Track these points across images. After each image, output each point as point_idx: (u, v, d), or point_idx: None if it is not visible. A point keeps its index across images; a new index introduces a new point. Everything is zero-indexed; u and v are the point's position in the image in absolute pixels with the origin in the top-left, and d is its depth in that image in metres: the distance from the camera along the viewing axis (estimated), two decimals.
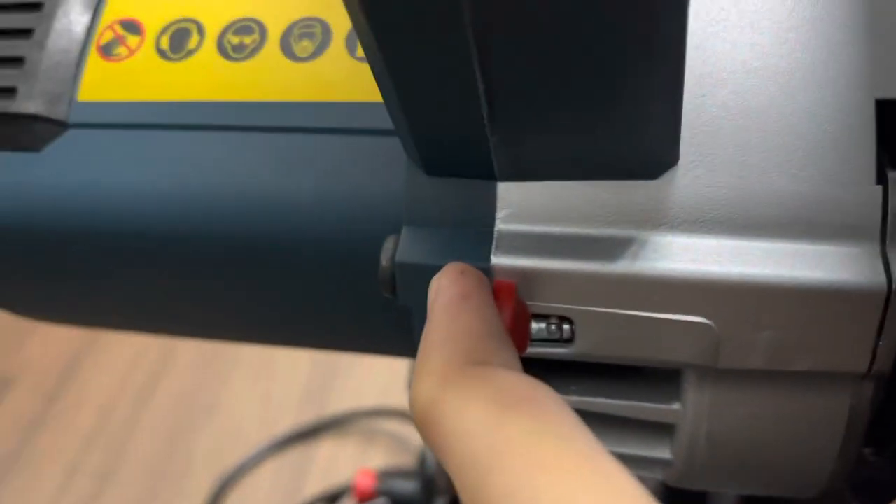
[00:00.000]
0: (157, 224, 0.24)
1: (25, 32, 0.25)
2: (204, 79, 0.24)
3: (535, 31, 0.15)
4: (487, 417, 0.16)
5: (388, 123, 0.20)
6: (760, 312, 0.19)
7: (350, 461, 0.77)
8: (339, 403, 0.81)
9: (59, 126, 0.24)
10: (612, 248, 0.20)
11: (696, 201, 0.20)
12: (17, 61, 0.25)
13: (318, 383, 0.84)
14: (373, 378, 0.80)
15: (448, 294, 0.19)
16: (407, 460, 0.75)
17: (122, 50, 0.25)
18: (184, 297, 0.27)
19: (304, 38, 0.24)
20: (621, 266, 0.20)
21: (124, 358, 0.87)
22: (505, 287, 0.20)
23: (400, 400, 0.79)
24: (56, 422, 0.83)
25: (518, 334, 0.20)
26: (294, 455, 0.79)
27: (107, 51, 0.25)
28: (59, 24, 0.25)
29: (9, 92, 0.24)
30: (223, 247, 0.24)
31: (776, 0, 0.21)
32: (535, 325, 0.21)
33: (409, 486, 0.63)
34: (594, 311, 0.20)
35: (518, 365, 0.18)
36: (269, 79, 0.23)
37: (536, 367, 0.22)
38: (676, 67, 0.17)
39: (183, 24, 0.25)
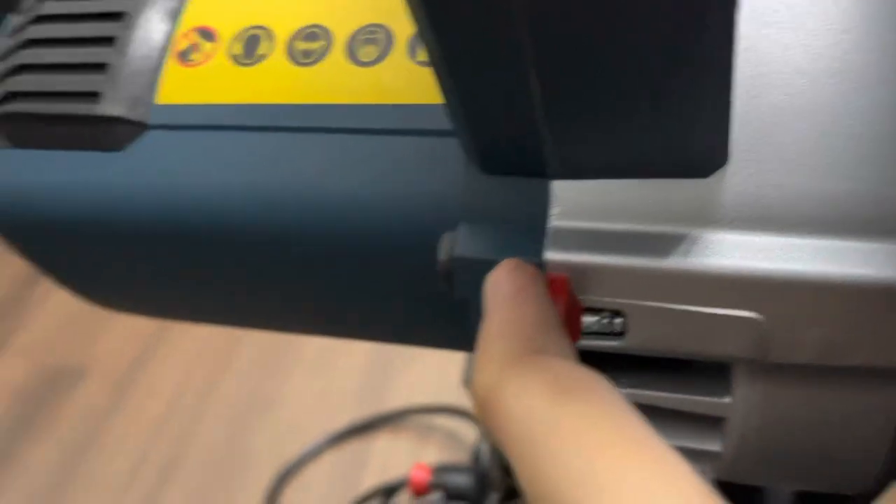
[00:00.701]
0: (230, 219, 0.25)
1: (109, 40, 0.27)
2: (274, 83, 0.25)
3: (588, 36, 0.16)
4: (545, 401, 0.17)
5: (447, 124, 0.21)
6: (811, 308, 0.20)
7: (405, 456, 0.78)
8: (395, 400, 0.83)
9: (140, 127, 0.26)
10: (664, 244, 0.21)
11: (747, 199, 0.20)
12: (101, 67, 0.26)
13: (374, 380, 0.85)
14: (426, 376, 0.81)
15: (505, 287, 0.20)
16: (461, 456, 0.76)
17: (197, 56, 0.26)
18: (253, 290, 0.28)
19: (368, 43, 0.25)
20: (672, 262, 0.20)
21: (190, 351, 0.90)
22: (558, 280, 0.21)
23: (453, 397, 0.80)
24: (125, 411, 0.87)
25: (570, 326, 0.20)
26: (351, 449, 0.80)
27: (184, 57, 0.26)
28: (140, 32, 0.27)
29: (94, 96, 0.26)
30: (291, 241, 0.25)
31: (828, 1, 0.21)
32: (587, 318, 0.22)
33: (463, 481, 0.64)
34: (645, 306, 0.21)
35: (574, 354, 0.19)
36: (334, 83, 0.24)
37: (588, 360, 0.23)
38: (726, 70, 0.17)
39: (254, 31, 0.26)
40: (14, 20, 0.30)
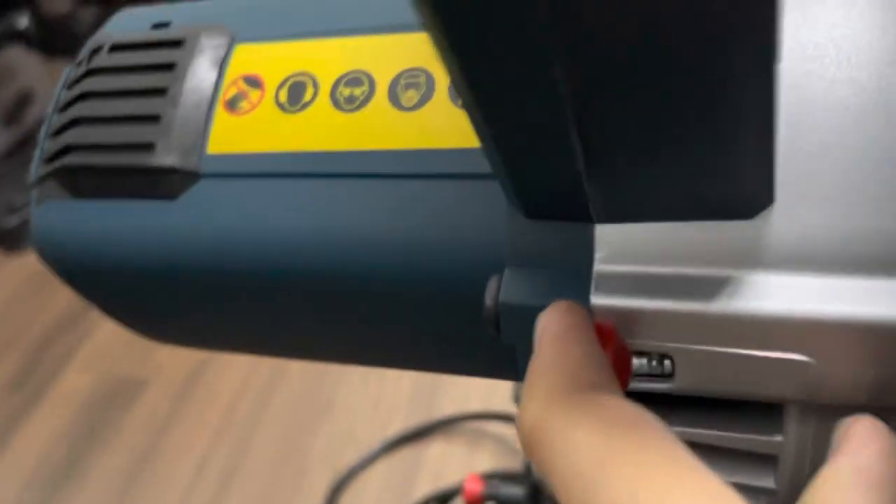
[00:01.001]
0: (279, 263, 0.26)
1: (161, 91, 0.28)
2: (319, 129, 0.26)
3: (627, 86, 0.16)
4: (592, 435, 0.17)
5: (489, 168, 0.22)
6: (863, 350, 0.20)
7: (458, 463, 0.79)
8: (447, 407, 0.83)
9: (192, 176, 0.27)
10: (710, 287, 0.20)
11: (794, 240, 0.20)
12: (154, 119, 0.27)
13: (426, 387, 0.86)
14: (477, 383, 0.82)
15: (555, 327, 0.20)
16: (513, 462, 0.76)
17: (245, 104, 0.27)
18: (302, 329, 0.29)
19: (410, 88, 0.25)
20: (719, 305, 0.20)
21: (245, 361, 0.92)
22: (604, 329, 0.21)
23: (504, 404, 0.80)
24: (185, 421, 0.89)
25: (620, 372, 0.21)
26: (404, 456, 0.81)
27: (232, 105, 0.27)
28: (190, 82, 0.27)
29: (148, 147, 0.27)
30: (340, 284, 0.25)
31: (874, 33, 0.21)
32: (636, 361, 0.22)
33: (516, 492, 0.65)
34: (693, 349, 0.21)
35: (619, 391, 0.19)
36: (378, 128, 0.25)
37: (638, 399, 0.23)
38: (768, 112, 0.17)
39: (299, 78, 0.27)
40: (69, 72, 0.31)
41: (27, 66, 1.31)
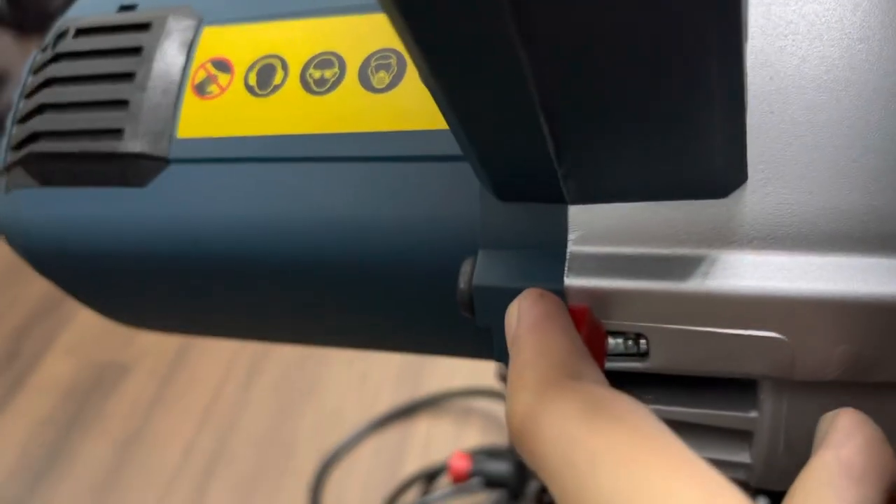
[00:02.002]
0: (251, 248, 0.25)
1: (128, 76, 0.27)
2: (290, 113, 0.25)
3: (591, 71, 0.16)
4: (584, 425, 0.17)
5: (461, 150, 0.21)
6: (835, 327, 0.20)
7: (446, 439, 0.79)
8: (433, 384, 0.84)
9: (161, 162, 0.26)
10: (683, 267, 0.20)
11: (767, 218, 0.20)
12: (122, 104, 0.27)
13: (412, 365, 0.86)
14: (462, 360, 0.82)
15: (531, 315, 0.20)
16: (501, 438, 0.77)
17: (214, 88, 0.27)
18: (274, 312, 0.29)
19: (381, 69, 0.25)
20: (692, 285, 0.20)
21: (230, 343, 0.92)
22: (579, 311, 0.21)
23: (490, 380, 0.80)
24: (171, 404, 0.89)
25: (595, 354, 0.21)
26: (392, 434, 0.81)
27: (201, 89, 0.27)
28: (158, 66, 0.27)
29: (116, 133, 0.27)
30: (311, 268, 0.25)
31: (845, 9, 0.21)
32: (611, 341, 0.22)
33: (502, 468, 0.65)
34: (667, 329, 0.21)
35: (604, 380, 0.19)
36: (349, 111, 0.25)
37: (613, 378, 0.23)
38: (737, 93, 0.17)
39: (268, 61, 0.26)
40: (35, 57, 0.30)
41: (0, 46, 1.28)
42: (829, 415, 0.19)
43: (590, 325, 0.21)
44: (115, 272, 0.28)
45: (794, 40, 0.21)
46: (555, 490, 0.17)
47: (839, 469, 0.17)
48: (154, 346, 0.94)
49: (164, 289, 0.29)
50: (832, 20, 0.21)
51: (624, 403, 0.17)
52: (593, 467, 0.16)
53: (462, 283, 0.22)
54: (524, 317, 0.20)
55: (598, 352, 0.21)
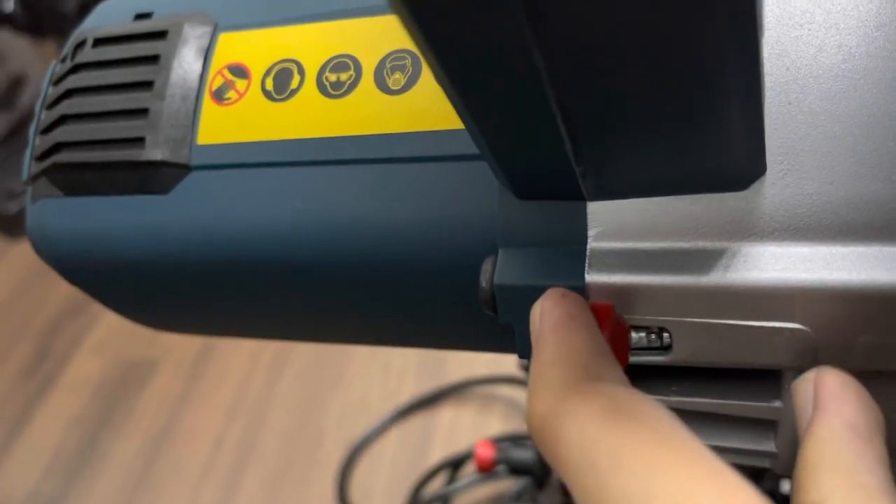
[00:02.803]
0: (274, 251, 0.26)
1: (147, 85, 0.27)
2: (308, 117, 0.25)
3: (606, 69, 0.16)
4: (605, 426, 0.17)
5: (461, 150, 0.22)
6: (857, 316, 0.20)
7: (470, 427, 0.80)
8: (455, 372, 0.84)
9: (183, 169, 0.27)
10: (704, 260, 0.20)
11: (787, 210, 0.20)
12: (141, 112, 0.27)
13: (434, 354, 0.87)
14: None
15: (554, 315, 0.20)
16: (523, 425, 0.77)
17: (232, 94, 0.27)
18: (296, 313, 0.29)
19: (396, 70, 0.25)
20: (714, 278, 0.20)
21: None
22: (602, 309, 0.21)
23: (512, 367, 0.81)
24: (199, 399, 0.90)
25: (618, 351, 0.21)
26: (417, 423, 0.82)
27: (219, 96, 0.27)
28: (176, 74, 0.27)
29: (138, 141, 0.27)
30: (333, 269, 0.26)
31: None
32: (634, 335, 0.22)
33: (527, 455, 0.66)
34: (689, 322, 0.21)
35: (626, 381, 0.19)
36: (366, 113, 0.25)
37: (637, 371, 0.23)
38: (754, 86, 0.17)
39: (284, 65, 0.26)
40: (54, 68, 0.30)
41: (16, 49, 1.29)
42: (808, 376, 0.19)
43: (613, 323, 0.21)
44: (140, 278, 0.29)
45: (810, 30, 0.21)
46: (574, 490, 0.17)
47: (849, 433, 0.17)
48: (180, 342, 0.95)
49: (187, 293, 0.29)
50: (848, 8, 0.20)
51: (644, 405, 0.18)
52: (613, 468, 0.16)
53: (483, 281, 0.22)
54: (546, 317, 0.20)
55: (622, 348, 0.21)
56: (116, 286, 0.30)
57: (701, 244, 0.21)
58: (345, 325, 0.30)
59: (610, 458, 0.16)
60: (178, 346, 0.95)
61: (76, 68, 0.29)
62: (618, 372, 0.19)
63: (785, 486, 0.43)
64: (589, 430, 0.17)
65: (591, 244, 0.21)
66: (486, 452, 0.67)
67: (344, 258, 0.25)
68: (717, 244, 0.21)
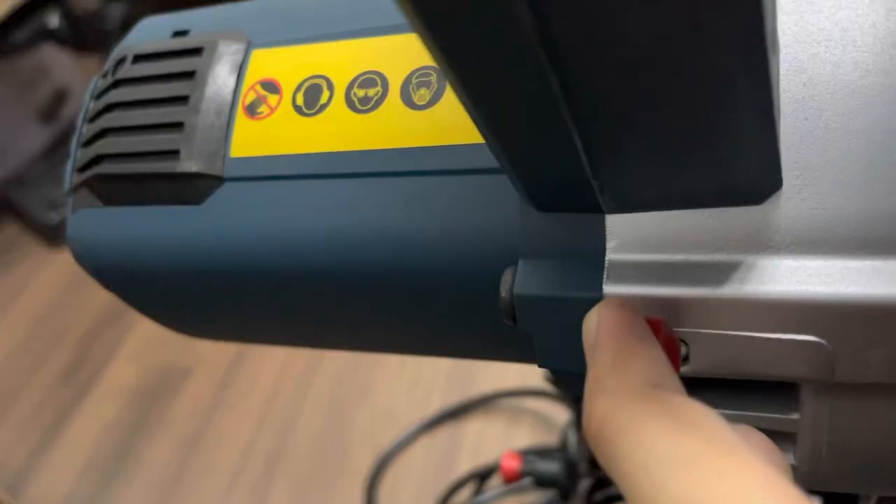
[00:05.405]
0: (303, 261, 0.27)
1: (183, 99, 0.29)
2: (336, 131, 0.26)
3: (620, 88, 0.17)
4: (662, 433, 0.17)
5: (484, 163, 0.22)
6: (873, 330, 0.20)
7: (497, 439, 0.80)
8: (484, 384, 0.85)
9: (217, 181, 0.28)
10: (721, 273, 0.21)
11: (802, 224, 0.20)
12: (177, 126, 0.28)
13: (463, 365, 0.87)
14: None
15: (612, 323, 0.21)
16: (551, 438, 0.77)
17: (264, 108, 0.28)
18: (328, 322, 0.30)
19: (422, 86, 0.26)
20: (730, 290, 0.21)
21: (285, 348, 0.94)
22: (654, 322, 0.21)
23: (539, 380, 0.81)
24: (229, 407, 0.92)
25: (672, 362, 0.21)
26: (444, 434, 0.83)
27: (251, 110, 0.28)
28: (210, 89, 0.28)
29: (173, 154, 0.28)
30: (361, 279, 0.26)
31: (878, 15, 0.21)
32: None
33: (553, 467, 0.66)
34: (707, 334, 0.21)
35: (682, 389, 0.20)
36: (392, 127, 0.26)
37: None
38: (767, 102, 0.17)
39: (314, 81, 0.27)
40: (96, 83, 0.32)
41: (60, 64, 1.33)
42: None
43: (665, 334, 0.21)
44: (174, 285, 0.30)
45: (827, 47, 0.21)
46: (629, 495, 0.17)
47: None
48: (212, 350, 0.97)
49: (219, 300, 0.30)
50: (865, 25, 0.21)
51: (701, 413, 0.18)
52: (669, 474, 0.17)
53: (503, 291, 0.23)
54: (605, 324, 0.21)
55: (674, 359, 0.22)
56: (152, 293, 0.31)
57: (718, 257, 0.21)
58: (369, 333, 0.31)
59: (665, 465, 0.17)
60: (212, 354, 0.97)
61: (117, 83, 0.30)
62: (675, 380, 0.20)
63: None
64: (646, 437, 0.18)
65: (610, 256, 0.22)
66: (513, 464, 0.67)
67: (372, 267, 0.26)
68: (734, 257, 0.21)
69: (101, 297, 1.05)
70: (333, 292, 0.28)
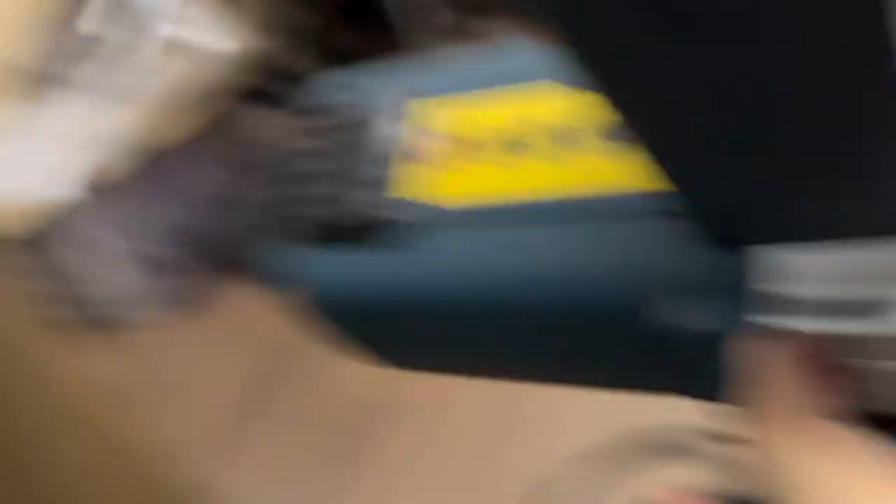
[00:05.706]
0: (505, 302, 0.29)
1: (361, 148, 0.32)
2: (534, 177, 0.29)
3: (772, 120, 0.18)
4: (824, 462, 0.19)
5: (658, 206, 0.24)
6: None
7: (655, 477, 0.78)
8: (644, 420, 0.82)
9: (414, 227, 0.31)
10: (883, 308, 0.21)
11: None
12: (376, 182, 0.32)
13: (618, 401, 0.85)
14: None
15: (775, 352, 0.22)
16: (707, 478, 0.74)
17: (446, 158, 0.31)
18: (526, 354, 0.33)
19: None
20: (883, 326, 0.21)
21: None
22: (820, 356, 0.22)
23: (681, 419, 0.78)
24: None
25: (832, 391, 0.22)
26: (601, 470, 0.81)
27: (419, 157, 0.31)
28: (380, 139, 0.32)
29: (374, 204, 0.32)
30: (545, 317, 0.29)
31: None
32: None
33: None
34: (879, 369, 0.22)
35: (845, 418, 0.21)
36: (588, 173, 0.28)
37: None
38: None
39: (510, 136, 0.30)
40: (283, 133, 0.37)
41: (254, 116, 1.44)
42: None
43: (827, 364, 0.22)
44: (388, 323, 0.34)
45: None
46: None
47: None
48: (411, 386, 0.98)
49: (426, 338, 0.34)
50: None
51: (862, 443, 0.19)
52: (830, 497, 0.18)
53: (694, 327, 0.24)
54: (767, 354, 0.22)
55: (836, 388, 0.22)
56: (365, 330, 0.35)
57: (878, 291, 0.21)
58: (558, 367, 0.33)
59: (828, 493, 0.19)
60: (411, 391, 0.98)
61: (301, 133, 0.35)
62: (837, 410, 0.21)
63: None
64: (808, 465, 0.19)
65: (770, 289, 0.22)
66: (664, 499, 0.65)
67: (550, 305, 0.28)
68: (887, 292, 0.21)
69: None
70: (528, 330, 0.31)
